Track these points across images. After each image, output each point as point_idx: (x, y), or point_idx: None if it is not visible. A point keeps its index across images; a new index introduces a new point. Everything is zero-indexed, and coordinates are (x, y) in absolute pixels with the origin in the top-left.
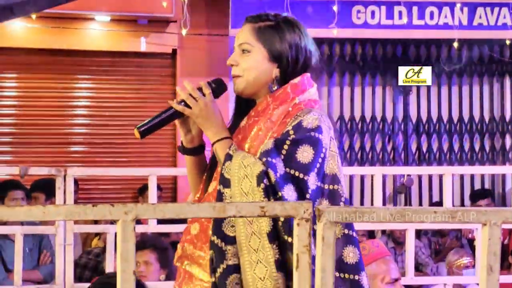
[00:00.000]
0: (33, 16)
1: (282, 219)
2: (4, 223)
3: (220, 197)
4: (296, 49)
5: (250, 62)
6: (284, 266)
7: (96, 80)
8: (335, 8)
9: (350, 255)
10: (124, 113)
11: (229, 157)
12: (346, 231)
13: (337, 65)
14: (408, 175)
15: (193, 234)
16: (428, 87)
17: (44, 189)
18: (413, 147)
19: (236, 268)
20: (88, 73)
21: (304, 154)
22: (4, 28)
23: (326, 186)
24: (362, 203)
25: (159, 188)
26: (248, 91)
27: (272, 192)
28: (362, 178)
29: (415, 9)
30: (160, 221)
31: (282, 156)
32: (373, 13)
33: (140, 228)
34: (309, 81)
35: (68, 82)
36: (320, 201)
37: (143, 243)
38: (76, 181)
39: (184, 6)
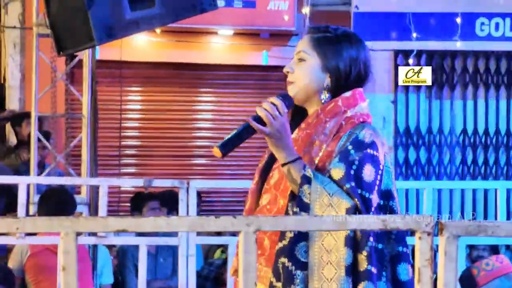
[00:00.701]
0: (158, 30)
1: (368, 249)
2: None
3: None
4: (350, 62)
5: (304, 70)
6: None
7: (218, 93)
8: (458, 20)
9: (404, 272)
10: None
11: (306, 180)
12: (400, 248)
13: (460, 78)
14: None
15: None
16: None
17: (167, 203)
18: None
19: None
20: (211, 87)
21: (368, 173)
22: (129, 42)
23: (382, 202)
24: (485, 218)
25: None
26: (299, 97)
27: None
28: (486, 192)
29: None
30: None
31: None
32: (497, 25)
33: None
34: (361, 95)
35: (191, 95)
36: None
37: None
38: (198, 194)
39: (306, 19)
